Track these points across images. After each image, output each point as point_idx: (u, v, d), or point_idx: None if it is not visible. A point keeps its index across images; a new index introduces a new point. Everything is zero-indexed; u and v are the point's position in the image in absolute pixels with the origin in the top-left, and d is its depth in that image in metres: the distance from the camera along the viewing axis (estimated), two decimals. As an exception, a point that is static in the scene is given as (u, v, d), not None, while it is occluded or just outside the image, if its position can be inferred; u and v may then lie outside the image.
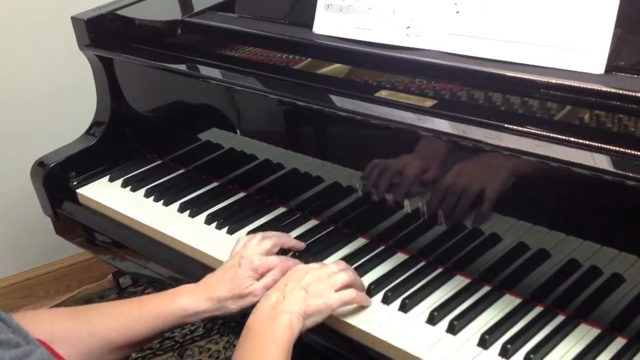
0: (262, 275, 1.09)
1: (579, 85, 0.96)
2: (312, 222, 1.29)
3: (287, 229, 1.26)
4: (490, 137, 0.98)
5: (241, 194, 1.41)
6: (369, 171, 1.17)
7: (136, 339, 1.07)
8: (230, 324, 1.86)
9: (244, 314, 1.22)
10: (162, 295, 1.10)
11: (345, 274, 1.04)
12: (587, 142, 0.91)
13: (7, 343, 0.79)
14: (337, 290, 1.01)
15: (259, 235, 1.15)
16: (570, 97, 0.97)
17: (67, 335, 1.03)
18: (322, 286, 1.01)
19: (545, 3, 1.02)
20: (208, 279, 1.10)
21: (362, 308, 1.06)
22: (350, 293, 1.03)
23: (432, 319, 1.02)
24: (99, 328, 1.05)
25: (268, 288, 1.07)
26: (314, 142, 1.32)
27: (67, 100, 2.12)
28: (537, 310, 1.01)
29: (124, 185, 1.50)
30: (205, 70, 1.36)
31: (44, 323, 1.03)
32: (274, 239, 1.15)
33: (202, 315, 1.07)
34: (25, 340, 0.84)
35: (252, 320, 0.98)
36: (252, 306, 1.03)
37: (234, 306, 1.07)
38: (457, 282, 1.09)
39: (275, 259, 1.11)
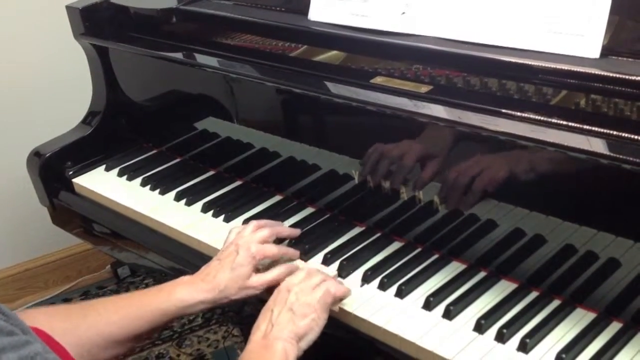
0: (259, 262, 1.08)
1: (574, 69, 0.96)
2: (309, 210, 1.29)
3: (283, 217, 1.26)
4: (487, 122, 0.97)
5: (237, 182, 1.40)
6: (365, 158, 1.17)
7: (136, 333, 1.06)
8: (228, 314, 1.86)
9: (244, 303, 1.23)
10: (160, 288, 1.09)
11: (321, 279, 1.03)
12: (583, 127, 0.90)
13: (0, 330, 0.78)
14: (320, 300, 0.99)
15: (252, 224, 1.14)
16: (566, 81, 0.97)
17: (65, 333, 1.01)
18: (307, 300, 0.99)
19: (540, -13, 1.02)
20: (205, 269, 1.09)
21: (359, 295, 1.05)
22: (332, 294, 1.01)
23: (428, 305, 1.02)
24: (98, 324, 1.04)
25: (270, 284, 1.06)
26: (310, 130, 1.32)
27: (62, 90, 2.11)
28: (533, 295, 1.02)
29: (120, 174, 1.49)
30: (200, 59, 1.36)
31: (42, 321, 1.02)
32: (268, 228, 1.14)
33: (201, 306, 1.07)
34: (22, 330, 0.83)
35: (246, 355, 0.96)
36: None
37: (235, 296, 1.07)
38: (453, 268, 1.09)
39: (272, 247, 1.11)
